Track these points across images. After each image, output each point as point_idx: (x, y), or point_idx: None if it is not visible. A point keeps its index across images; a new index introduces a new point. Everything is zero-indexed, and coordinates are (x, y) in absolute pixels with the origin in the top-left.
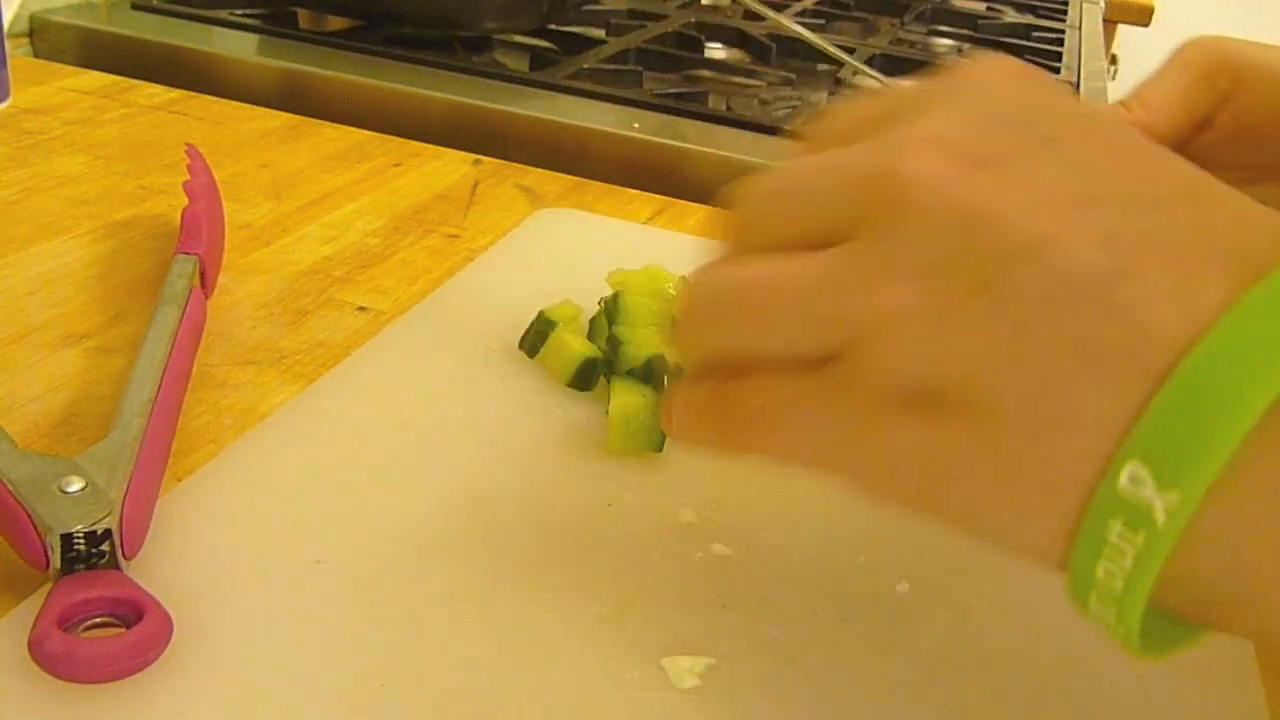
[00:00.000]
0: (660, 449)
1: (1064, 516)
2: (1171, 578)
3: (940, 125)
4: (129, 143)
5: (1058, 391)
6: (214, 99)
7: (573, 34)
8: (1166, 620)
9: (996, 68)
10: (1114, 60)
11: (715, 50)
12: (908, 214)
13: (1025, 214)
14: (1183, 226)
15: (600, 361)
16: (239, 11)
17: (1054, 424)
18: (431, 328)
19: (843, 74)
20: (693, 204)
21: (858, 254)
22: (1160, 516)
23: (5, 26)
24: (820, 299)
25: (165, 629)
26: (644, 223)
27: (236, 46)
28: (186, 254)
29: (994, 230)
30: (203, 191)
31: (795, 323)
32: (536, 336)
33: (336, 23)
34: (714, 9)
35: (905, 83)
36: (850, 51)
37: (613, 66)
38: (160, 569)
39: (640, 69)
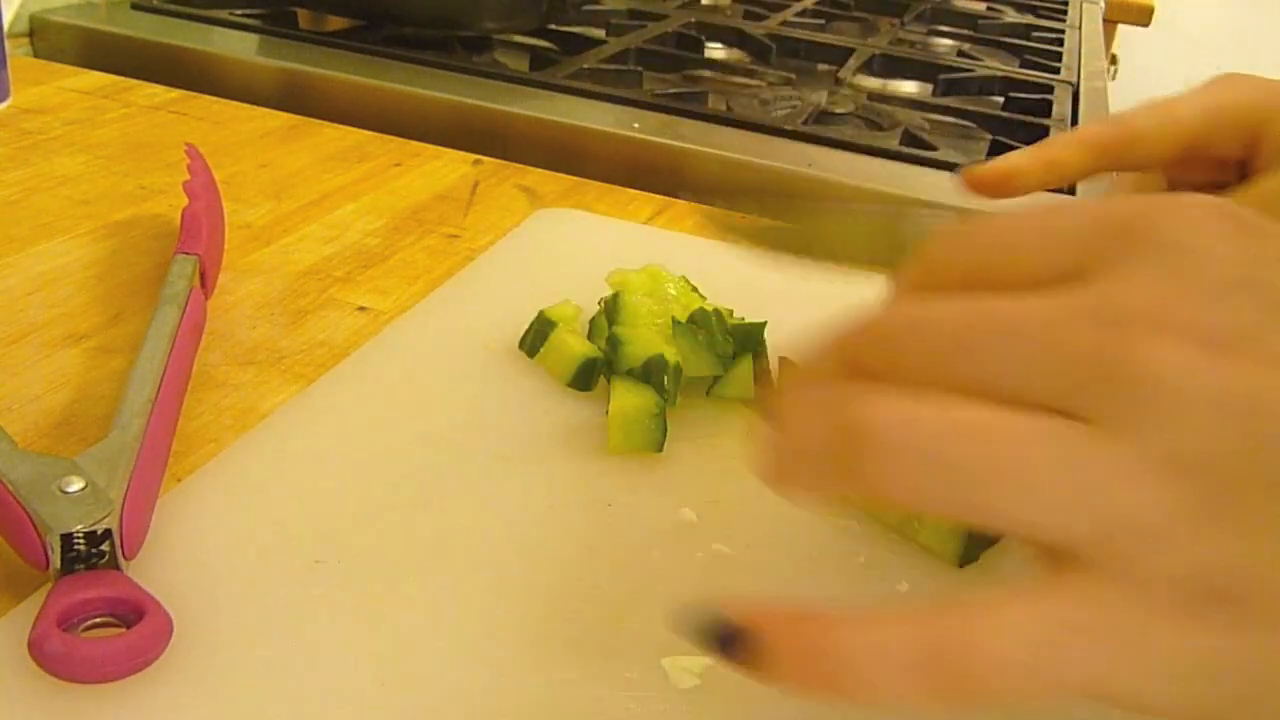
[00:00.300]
0: (660, 449)
1: None
2: None
3: (1157, 297)
4: (129, 143)
5: None
6: (214, 99)
7: (573, 34)
8: None
9: (1189, 211)
10: (1114, 60)
11: (715, 50)
12: (1157, 409)
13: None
14: None
15: (600, 361)
16: (239, 11)
17: None
18: (431, 328)
19: (842, 74)
20: (693, 204)
21: (1098, 441)
22: None
23: (5, 26)
24: (1067, 485)
25: (165, 629)
26: (644, 223)
27: (236, 46)
28: (186, 254)
29: (1267, 415)
30: (203, 191)
31: (1037, 508)
32: (536, 336)
33: (336, 23)
34: (714, 9)
35: (1059, 205)
36: (850, 51)
37: (613, 66)
38: (160, 569)
39: (640, 69)
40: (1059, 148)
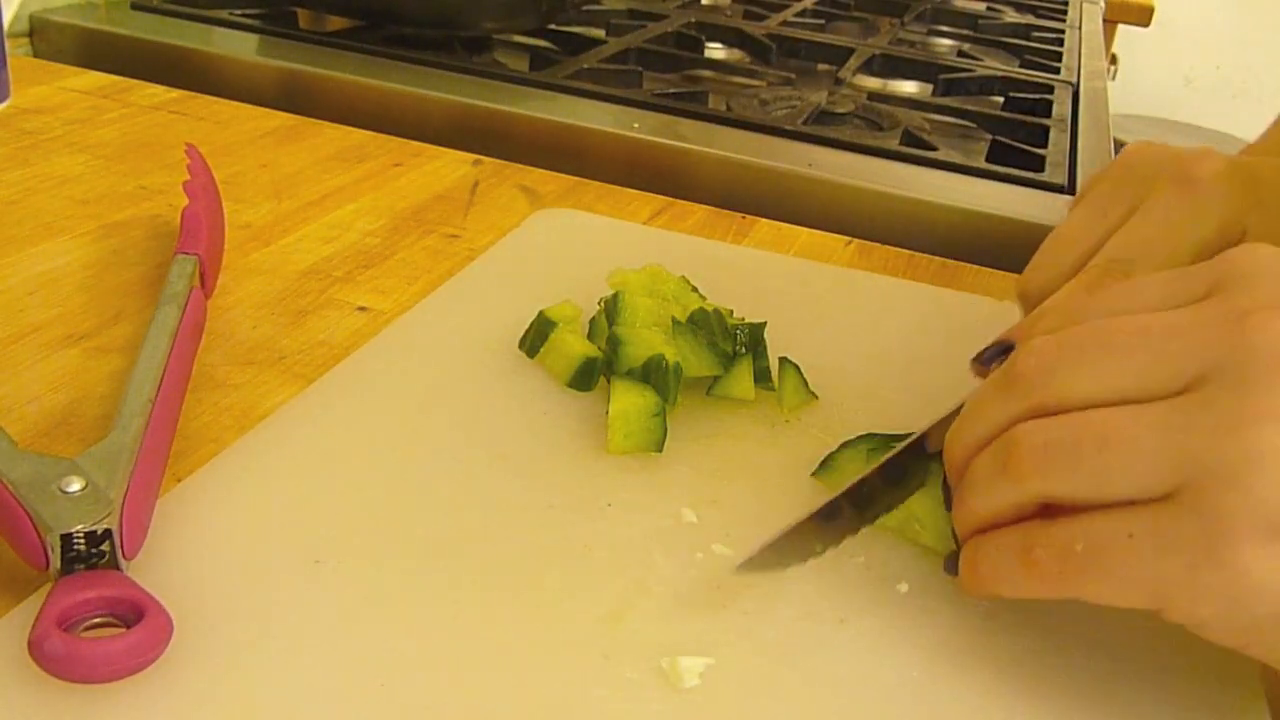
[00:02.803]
0: (660, 449)
1: None
2: None
3: (1268, 296)
4: (129, 143)
5: None
6: (214, 99)
7: (573, 34)
8: None
9: (1252, 251)
10: (1114, 60)
11: (715, 50)
12: (1267, 368)
13: None
14: None
15: (600, 361)
16: (239, 11)
17: None
18: (431, 328)
19: (842, 74)
20: (693, 204)
21: (1213, 402)
22: None
23: (5, 26)
24: (1166, 441)
25: (165, 629)
26: (644, 223)
27: (236, 46)
28: (186, 254)
29: None
30: (203, 191)
31: (1137, 465)
32: (536, 336)
33: (336, 23)
34: (714, 9)
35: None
36: (850, 51)
37: (613, 66)
38: (160, 569)
39: (640, 69)
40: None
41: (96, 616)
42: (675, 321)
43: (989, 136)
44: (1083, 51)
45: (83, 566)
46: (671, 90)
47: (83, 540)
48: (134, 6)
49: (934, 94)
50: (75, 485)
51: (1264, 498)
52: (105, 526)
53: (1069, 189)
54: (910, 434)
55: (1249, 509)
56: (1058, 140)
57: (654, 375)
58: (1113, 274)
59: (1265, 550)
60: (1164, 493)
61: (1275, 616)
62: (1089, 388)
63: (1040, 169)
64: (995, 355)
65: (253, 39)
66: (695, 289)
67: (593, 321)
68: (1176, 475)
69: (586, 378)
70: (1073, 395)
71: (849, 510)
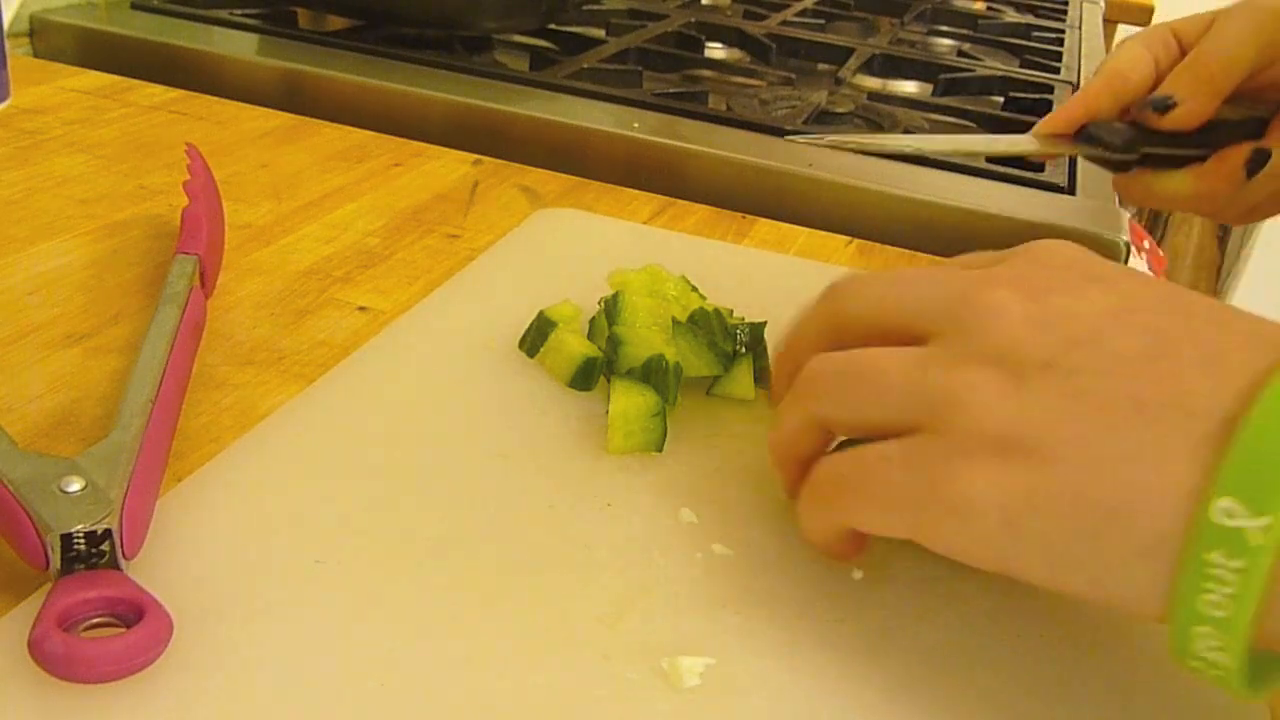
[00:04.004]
0: (660, 449)
1: (1153, 554)
2: (1272, 601)
3: (1011, 270)
4: (129, 143)
5: (1121, 439)
6: (214, 99)
7: (573, 34)
8: (1267, 659)
9: (1051, 243)
10: None
11: (715, 50)
12: (985, 321)
13: (1079, 319)
14: (1207, 323)
15: (600, 361)
16: (239, 11)
17: (1120, 461)
18: (431, 328)
19: (842, 74)
20: (693, 204)
21: (944, 347)
22: (1258, 539)
23: (5, 26)
24: (913, 375)
25: (165, 629)
26: (644, 223)
27: (236, 46)
28: (186, 254)
29: (1056, 328)
30: (203, 191)
31: (893, 396)
32: (536, 336)
33: (336, 23)
34: (714, 9)
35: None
36: (850, 51)
37: (613, 66)
38: (160, 569)
39: (640, 69)
40: (1129, 66)
41: (96, 616)
42: (675, 321)
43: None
44: (1083, 51)
45: (83, 566)
46: (671, 90)
47: (83, 540)
48: (134, 6)
49: (934, 94)
50: (75, 485)
51: (969, 425)
52: (105, 526)
53: (1069, 189)
54: None
55: (959, 434)
56: None
57: (654, 375)
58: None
59: (974, 466)
60: (911, 423)
61: (1004, 525)
62: (862, 310)
63: (1040, 169)
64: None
65: (253, 39)
66: (695, 289)
67: (593, 321)
68: (915, 404)
69: (586, 378)
70: (848, 313)
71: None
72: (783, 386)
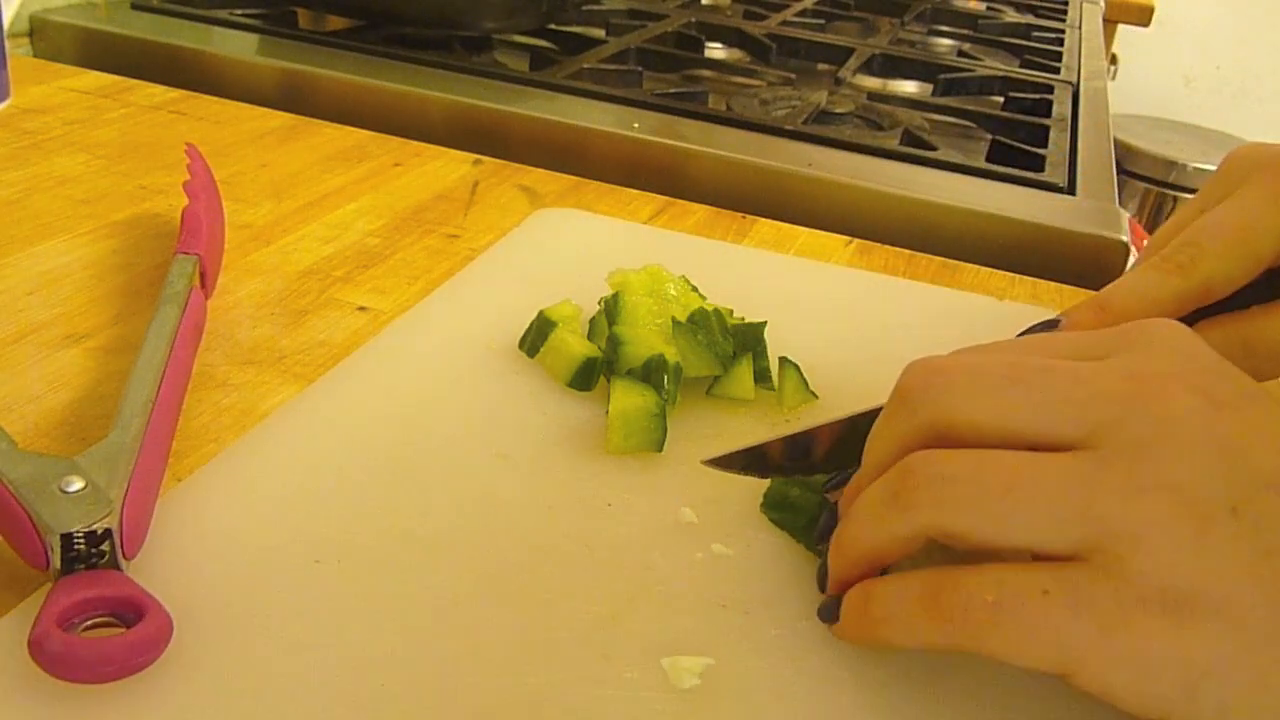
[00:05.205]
0: (660, 449)
1: None
2: None
3: (1170, 366)
4: (129, 143)
5: None
6: (214, 99)
7: (573, 34)
8: None
9: (1162, 328)
10: (1114, 60)
11: (715, 50)
12: (1167, 436)
13: (1269, 452)
14: None
15: (600, 361)
16: (239, 11)
17: None
18: (431, 328)
19: (842, 74)
20: (693, 204)
21: (1107, 466)
22: None
23: (5, 26)
24: (1078, 496)
25: (165, 629)
26: (644, 223)
27: (236, 46)
28: (186, 254)
29: (1245, 461)
30: (203, 191)
31: (1049, 518)
32: (536, 336)
33: (336, 23)
34: (714, 9)
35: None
36: (850, 51)
37: (613, 66)
38: (160, 569)
39: (640, 69)
40: (1131, 303)
41: (96, 616)
42: (675, 321)
43: (989, 136)
44: (1083, 51)
45: (83, 566)
46: (671, 90)
47: (83, 540)
48: (134, 6)
49: (934, 94)
50: (75, 485)
51: (1150, 572)
52: (105, 526)
53: (1069, 189)
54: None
55: (1138, 581)
56: (1058, 140)
57: (654, 375)
58: (1176, 259)
59: (1153, 624)
60: (1069, 549)
61: (1182, 688)
62: (981, 416)
63: (1040, 169)
64: (1039, 330)
65: (252, 39)
66: (695, 289)
67: (593, 321)
68: (1081, 531)
69: (586, 378)
70: (961, 419)
71: (819, 450)
72: (853, 494)
